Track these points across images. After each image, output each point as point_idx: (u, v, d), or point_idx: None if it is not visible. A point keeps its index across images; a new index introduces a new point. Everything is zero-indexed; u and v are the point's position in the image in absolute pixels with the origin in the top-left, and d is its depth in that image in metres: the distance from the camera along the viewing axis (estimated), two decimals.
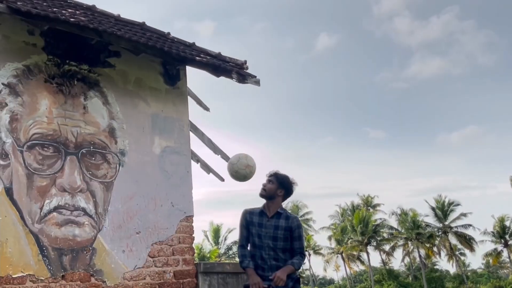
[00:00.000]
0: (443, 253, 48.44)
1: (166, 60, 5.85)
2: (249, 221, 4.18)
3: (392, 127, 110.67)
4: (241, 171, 4.19)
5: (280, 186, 4.17)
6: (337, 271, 53.36)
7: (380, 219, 50.50)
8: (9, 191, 4.60)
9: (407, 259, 52.58)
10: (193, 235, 5.79)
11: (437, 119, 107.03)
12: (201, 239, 45.39)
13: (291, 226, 4.12)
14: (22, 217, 4.61)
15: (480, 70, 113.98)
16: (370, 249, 49.11)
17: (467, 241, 46.79)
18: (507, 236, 47.02)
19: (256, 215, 4.18)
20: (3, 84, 4.76)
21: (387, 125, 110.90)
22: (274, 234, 4.09)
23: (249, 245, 4.24)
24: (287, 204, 51.30)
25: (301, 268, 4.22)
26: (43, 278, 4.60)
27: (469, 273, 57.60)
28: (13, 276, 4.43)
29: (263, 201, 4.23)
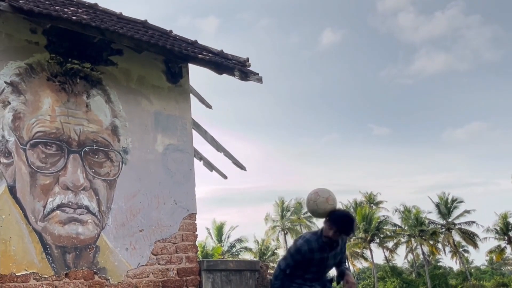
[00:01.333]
0: (446, 250, 48.42)
1: (169, 58, 5.85)
2: (309, 258, 3.94)
3: (396, 124, 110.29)
4: (325, 206, 3.91)
5: (336, 228, 3.86)
6: None
7: (383, 216, 50.48)
8: (12, 190, 4.60)
9: (410, 256, 52.61)
10: (196, 233, 5.79)
11: (442, 115, 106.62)
12: (204, 236, 45.48)
13: (342, 245, 4.09)
14: (25, 216, 4.62)
15: (485, 65, 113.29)
16: (373, 246, 49.08)
17: (471, 238, 46.72)
18: (510, 233, 46.93)
19: (316, 251, 3.93)
20: (6, 82, 4.76)
21: (392, 122, 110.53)
22: (334, 262, 4.07)
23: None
24: (289, 200, 51.30)
25: None
26: (46, 276, 4.61)
27: (472, 270, 57.55)
28: (17, 274, 4.44)
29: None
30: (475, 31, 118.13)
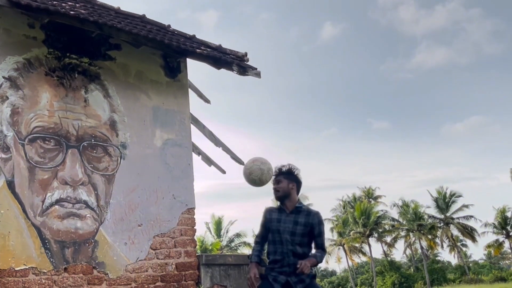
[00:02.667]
0: (444, 244, 48.56)
1: (167, 53, 5.85)
2: (268, 218, 4.16)
3: (396, 118, 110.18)
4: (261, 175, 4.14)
5: (290, 180, 4.14)
6: (338, 263, 53.52)
7: (382, 211, 50.58)
8: (11, 184, 4.61)
9: (408, 251, 52.75)
10: (194, 227, 5.81)
11: (442, 109, 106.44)
12: (203, 231, 45.54)
13: (312, 222, 4.10)
14: (24, 210, 4.62)
15: (486, 59, 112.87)
16: (371, 240, 49.21)
17: (469, 232, 46.85)
18: (508, 227, 47.09)
19: (275, 211, 4.17)
20: (4, 77, 4.76)
21: (391, 116, 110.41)
22: (292, 229, 4.06)
23: (265, 243, 4.25)
24: None
25: (322, 262, 4.20)
26: (45, 271, 4.62)
27: (470, 264, 57.73)
28: (16, 269, 4.45)
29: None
30: (476, 24, 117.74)
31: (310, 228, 4.09)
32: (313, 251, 4.14)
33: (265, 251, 4.25)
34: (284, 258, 4.03)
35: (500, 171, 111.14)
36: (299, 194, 4.25)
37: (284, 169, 4.19)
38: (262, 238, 4.22)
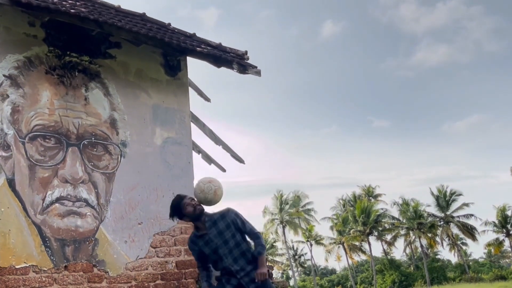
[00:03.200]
0: (444, 243, 48.58)
1: (167, 51, 5.85)
2: (197, 249, 4.14)
3: (396, 116, 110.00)
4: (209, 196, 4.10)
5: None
6: (338, 261, 53.56)
7: (382, 209, 50.59)
8: (11, 183, 4.62)
9: (408, 249, 52.77)
10: None
11: (442, 108, 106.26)
12: None
13: (230, 220, 4.09)
14: (24, 208, 4.63)
15: (487, 57, 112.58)
16: (371, 239, 49.26)
17: (469, 231, 46.87)
18: (508, 226, 47.09)
19: (197, 239, 4.13)
20: (4, 75, 4.76)
21: (392, 114, 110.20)
22: (222, 240, 4.03)
23: (209, 267, 4.24)
24: (288, 193, 51.35)
25: (265, 245, 4.21)
26: (46, 269, 4.63)
27: (470, 263, 57.78)
28: (16, 266, 4.46)
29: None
30: (477, 22, 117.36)
31: (233, 225, 4.07)
32: (251, 244, 4.14)
33: (212, 272, 4.26)
34: (232, 268, 4.03)
35: (500, 170, 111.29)
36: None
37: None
38: (203, 266, 4.22)
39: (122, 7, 6.03)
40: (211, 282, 4.20)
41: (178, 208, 4.09)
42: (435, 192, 48.29)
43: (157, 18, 6.16)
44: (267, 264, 4.27)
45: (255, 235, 4.11)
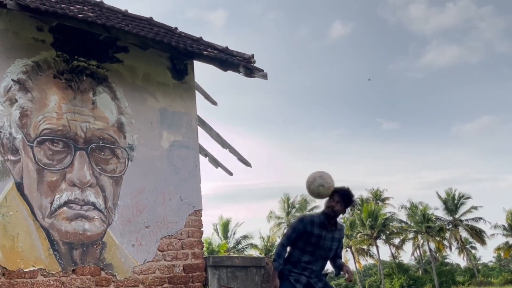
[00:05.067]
0: (453, 247, 48.28)
1: (174, 55, 5.87)
2: (309, 231, 4.26)
3: (405, 118, 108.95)
4: (331, 184, 4.30)
5: (344, 204, 4.29)
6: None
7: (390, 212, 50.38)
8: (20, 186, 4.65)
9: (417, 253, 52.50)
10: (202, 229, 5.82)
11: (452, 109, 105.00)
12: (210, 233, 45.59)
13: (340, 237, 4.41)
14: (33, 212, 4.66)
15: (498, 58, 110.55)
16: (379, 242, 49.03)
17: (478, 234, 46.56)
18: None
19: (317, 226, 4.27)
20: (13, 80, 4.80)
21: (401, 116, 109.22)
22: (330, 246, 4.33)
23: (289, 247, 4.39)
24: (295, 197, 51.25)
25: None
26: (54, 272, 4.65)
27: (480, 267, 57.37)
28: (25, 270, 4.48)
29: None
30: (488, 22, 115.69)
31: (338, 243, 4.40)
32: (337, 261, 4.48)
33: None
34: (311, 267, 4.28)
35: (510, 172, 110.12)
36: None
37: (341, 192, 4.31)
38: (291, 244, 4.34)
39: (129, 11, 6.06)
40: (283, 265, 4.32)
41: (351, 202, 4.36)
42: (443, 195, 48.05)
43: (165, 20, 6.20)
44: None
45: (341, 259, 4.55)
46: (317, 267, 4.31)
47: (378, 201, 53.12)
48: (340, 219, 4.41)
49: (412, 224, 48.62)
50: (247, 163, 7.42)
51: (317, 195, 4.33)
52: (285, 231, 52.57)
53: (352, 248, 49.06)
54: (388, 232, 49.08)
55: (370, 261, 52.52)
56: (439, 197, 48.10)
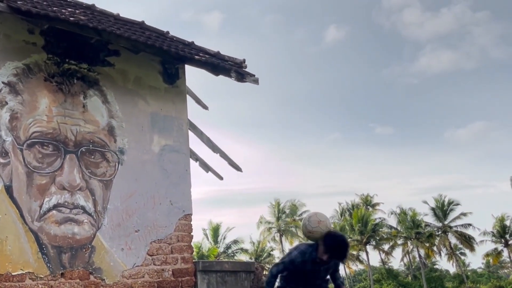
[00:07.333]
0: (443, 253, 48.47)
1: (165, 59, 5.88)
2: (301, 268, 4.35)
3: (399, 123, 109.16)
4: (316, 229, 4.35)
5: (329, 254, 4.29)
6: None
7: (379, 218, 50.52)
8: (9, 189, 4.62)
9: (406, 259, 52.64)
10: (192, 234, 5.81)
11: (445, 115, 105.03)
12: (200, 237, 45.44)
13: (337, 263, 4.50)
14: (21, 215, 4.63)
15: (493, 63, 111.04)
16: (369, 248, 49.12)
17: (467, 241, 46.79)
18: (507, 236, 47.03)
19: (309, 263, 4.34)
20: (3, 82, 4.78)
21: (395, 121, 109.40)
22: (322, 275, 4.46)
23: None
24: (285, 202, 51.25)
25: None
26: (42, 276, 4.62)
27: (469, 273, 57.62)
28: (13, 273, 4.45)
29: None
30: (483, 27, 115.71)
31: (335, 266, 4.51)
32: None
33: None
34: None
35: (500, 179, 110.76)
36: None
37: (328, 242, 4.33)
38: (286, 270, 4.41)
39: (123, 14, 6.07)
40: None
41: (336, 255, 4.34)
42: (432, 204, 48.16)
43: (159, 22, 6.25)
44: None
45: (340, 278, 4.68)
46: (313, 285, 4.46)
47: (368, 206, 53.27)
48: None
49: (402, 230, 48.75)
50: (238, 168, 7.43)
51: (307, 238, 4.48)
52: (275, 235, 52.39)
53: None
54: (378, 238, 49.19)
55: (360, 266, 52.59)
56: (429, 205, 48.26)
